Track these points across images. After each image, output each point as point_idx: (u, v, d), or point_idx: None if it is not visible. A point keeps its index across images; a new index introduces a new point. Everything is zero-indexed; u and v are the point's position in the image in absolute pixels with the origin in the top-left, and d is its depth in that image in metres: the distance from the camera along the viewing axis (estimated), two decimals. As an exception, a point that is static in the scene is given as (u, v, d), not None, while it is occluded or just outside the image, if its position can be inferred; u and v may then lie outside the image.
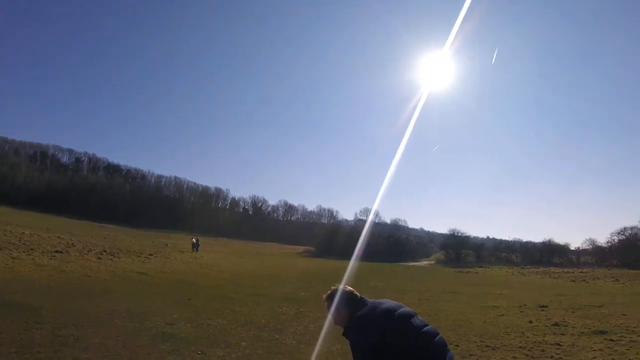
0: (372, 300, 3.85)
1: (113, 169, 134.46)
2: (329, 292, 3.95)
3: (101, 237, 47.12)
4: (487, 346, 10.76)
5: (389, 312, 3.61)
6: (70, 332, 8.91)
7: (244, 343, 9.66)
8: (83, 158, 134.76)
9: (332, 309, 3.85)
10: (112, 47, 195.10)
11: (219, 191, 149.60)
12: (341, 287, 4.00)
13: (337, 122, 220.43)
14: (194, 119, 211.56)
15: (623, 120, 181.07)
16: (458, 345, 10.84)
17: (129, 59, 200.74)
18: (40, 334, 8.54)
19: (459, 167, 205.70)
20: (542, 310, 18.66)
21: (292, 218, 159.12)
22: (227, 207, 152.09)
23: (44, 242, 28.30)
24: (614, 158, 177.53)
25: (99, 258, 25.50)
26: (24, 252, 22.25)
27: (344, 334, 3.70)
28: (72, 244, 30.45)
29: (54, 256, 22.76)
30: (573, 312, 17.71)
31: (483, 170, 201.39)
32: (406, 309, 3.76)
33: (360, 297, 3.95)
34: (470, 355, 9.87)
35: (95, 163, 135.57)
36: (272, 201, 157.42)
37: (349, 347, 3.59)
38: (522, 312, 18.05)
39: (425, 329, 3.59)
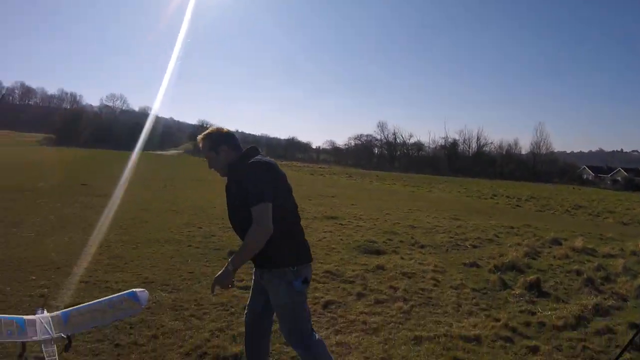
0: None
1: None
2: (207, 131, 3.49)
3: None
4: (228, 227, 11.44)
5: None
6: None
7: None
8: None
9: (212, 147, 3.37)
10: None
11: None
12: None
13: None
14: None
15: (370, 36, 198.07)
16: (201, 228, 11.46)
17: None
18: None
19: (211, 62, 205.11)
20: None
21: (31, 102, 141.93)
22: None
23: None
24: (358, 71, 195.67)
25: None
26: None
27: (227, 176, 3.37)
28: None
29: None
30: (309, 200, 20.15)
31: (233, 68, 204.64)
32: None
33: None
34: (212, 235, 10.70)
35: None
36: (6, 82, 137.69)
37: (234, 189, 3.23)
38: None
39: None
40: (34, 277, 6.77)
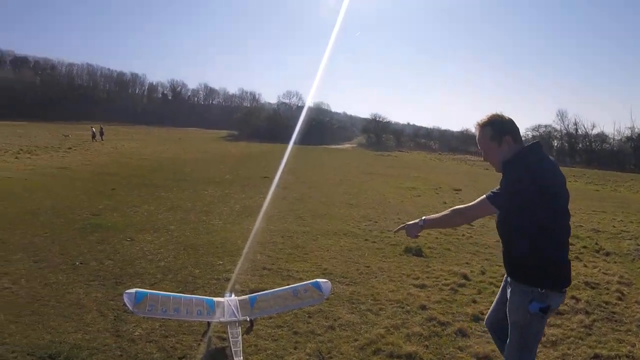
0: None
1: (20, 62, 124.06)
2: (490, 117, 3.10)
3: (16, 135, 44.86)
4: (404, 223, 11.60)
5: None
6: (-5, 236, 8.91)
7: (172, 227, 10.10)
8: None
9: (494, 136, 3.05)
10: None
11: (135, 77, 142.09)
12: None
13: (261, 5, 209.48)
14: (104, 1, 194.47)
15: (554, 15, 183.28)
16: (377, 222, 11.78)
17: None
18: (-36, 240, 8.49)
19: (383, 51, 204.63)
20: (457, 193, 20.28)
21: (214, 102, 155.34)
22: (145, 93, 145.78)
23: (-49, 145, 26.87)
24: (542, 56, 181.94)
25: (16, 158, 24.58)
26: None
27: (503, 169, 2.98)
28: (-16, 146, 29.06)
29: (-35, 160, 21.75)
30: None
31: (406, 56, 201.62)
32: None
33: None
34: (388, 230, 10.89)
35: (0, 57, 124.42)
36: (192, 85, 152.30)
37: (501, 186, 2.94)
38: (438, 194, 19.49)
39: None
40: (221, 262, 7.62)
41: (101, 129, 49.71)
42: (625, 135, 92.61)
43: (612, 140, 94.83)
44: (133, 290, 4.09)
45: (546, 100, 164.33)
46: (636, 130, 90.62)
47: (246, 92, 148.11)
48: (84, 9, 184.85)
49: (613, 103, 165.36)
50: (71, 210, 11.60)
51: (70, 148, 32.90)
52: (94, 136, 46.29)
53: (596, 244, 10.93)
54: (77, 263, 7.23)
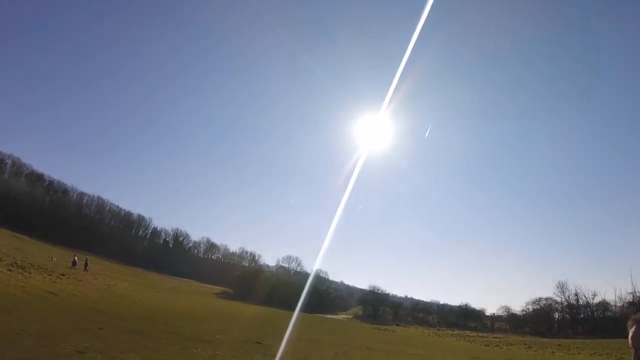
0: None
1: (36, 178, 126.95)
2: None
3: (13, 247, 44.86)
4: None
5: None
6: (-24, 349, 8.49)
7: (157, 382, 9.47)
8: (7, 160, 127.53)
9: None
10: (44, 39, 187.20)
11: (141, 218, 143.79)
12: None
13: (275, 175, 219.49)
14: (126, 140, 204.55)
15: (545, 194, 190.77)
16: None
17: (66, 64, 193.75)
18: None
19: (384, 226, 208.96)
20: None
21: (213, 257, 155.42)
22: (148, 236, 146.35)
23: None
24: (535, 229, 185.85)
25: (9, 270, 24.35)
26: None
27: None
28: (-19, 250, 28.96)
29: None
30: None
31: (409, 230, 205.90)
32: None
33: None
34: None
35: (18, 168, 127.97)
36: (195, 236, 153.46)
37: None
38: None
39: None
40: None
41: (86, 260, 49.80)
42: (627, 300, 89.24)
43: (614, 307, 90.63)
44: None
45: (545, 272, 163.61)
46: (637, 294, 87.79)
47: (246, 252, 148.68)
48: (103, 143, 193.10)
49: (613, 268, 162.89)
50: (56, 341, 11.08)
51: (63, 275, 32.40)
52: (74, 264, 45.94)
53: None
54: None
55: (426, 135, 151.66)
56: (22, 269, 27.13)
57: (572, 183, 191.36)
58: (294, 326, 35.19)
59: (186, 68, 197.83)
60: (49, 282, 25.47)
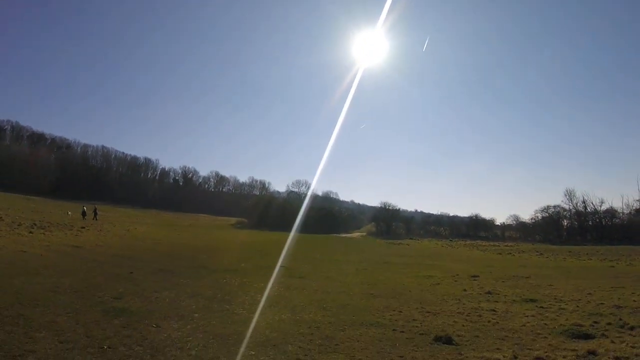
0: None
1: (37, 138, 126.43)
2: None
3: (29, 210, 45.38)
4: (428, 312, 11.62)
5: None
6: (18, 311, 8.82)
7: (197, 315, 9.87)
8: (6, 126, 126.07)
9: None
10: (33, 8, 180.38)
11: (148, 161, 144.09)
12: None
13: (270, 97, 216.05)
14: (124, 88, 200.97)
15: (549, 104, 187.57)
16: (401, 312, 11.57)
17: (50, 19, 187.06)
18: (-15, 315, 8.34)
19: (390, 143, 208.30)
20: (474, 279, 19.96)
21: (224, 189, 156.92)
22: (157, 177, 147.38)
23: (-32, 217, 27.16)
24: (541, 140, 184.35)
25: (30, 232, 24.76)
26: (-52, 229, 21.33)
27: None
28: (0, 217, 29.30)
29: (-18, 232, 21.93)
30: (503, 282, 19.16)
31: (414, 146, 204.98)
32: None
33: None
34: (413, 320, 10.65)
35: (18, 132, 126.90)
36: (203, 172, 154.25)
37: None
38: (456, 281, 19.20)
39: None
40: (253, 352, 7.37)
41: (95, 208, 50.41)
42: (634, 207, 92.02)
43: (621, 214, 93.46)
44: None
45: (552, 182, 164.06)
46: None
47: (256, 181, 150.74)
48: (102, 93, 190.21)
49: (620, 177, 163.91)
50: (91, 291, 11.47)
51: (83, 227, 33.06)
52: (83, 214, 46.66)
53: (620, 319, 10.71)
54: (105, 347, 7.03)
55: (424, 48, 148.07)
56: (42, 228, 27.61)
57: (578, 91, 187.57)
58: (311, 247, 36.09)
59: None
60: (71, 237, 26.02)
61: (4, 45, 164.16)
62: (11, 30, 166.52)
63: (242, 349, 7.52)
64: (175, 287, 13.51)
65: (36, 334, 7.43)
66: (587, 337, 9.06)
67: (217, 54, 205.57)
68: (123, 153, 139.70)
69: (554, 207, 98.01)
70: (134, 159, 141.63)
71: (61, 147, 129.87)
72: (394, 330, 9.53)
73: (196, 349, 7.38)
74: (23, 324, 7.95)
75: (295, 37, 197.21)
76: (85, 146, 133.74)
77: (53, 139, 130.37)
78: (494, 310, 11.65)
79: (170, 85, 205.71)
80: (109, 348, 7.01)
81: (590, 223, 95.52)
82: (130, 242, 29.10)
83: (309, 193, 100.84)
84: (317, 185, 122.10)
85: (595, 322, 10.39)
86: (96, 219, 47.01)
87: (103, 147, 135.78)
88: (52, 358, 6.34)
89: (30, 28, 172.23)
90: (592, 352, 7.74)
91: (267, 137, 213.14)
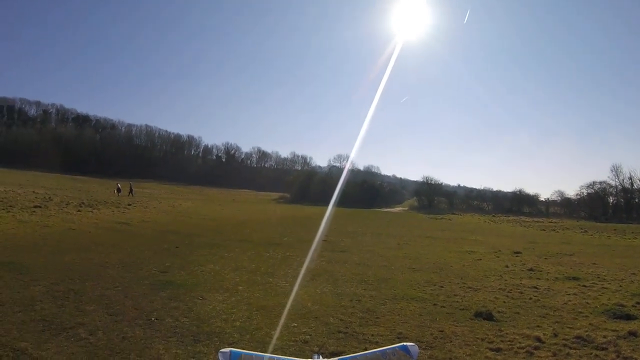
0: None
1: (82, 120, 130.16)
2: None
3: (75, 189, 46.86)
4: (469, 287, 11.49)
5: None
6: (68, 286, 9.15)
7: (241, 287, 10.07)
8: (51, 110, 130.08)
9: None
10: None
11: (191, 139, 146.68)
12: None
13: (310, 70, 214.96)
14: (164, 67, 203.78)
15: (597, 78, 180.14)
16: (442, 287, 11.50)
17: (93, 5, 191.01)
18: (39, 290, 8.72)
19: (432, 116, 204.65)
20: (517, 256, 19.63)
21: (266, 165, 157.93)
22: (200, 154, 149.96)
23: (21, 197, 28.25)
24: (588, 113, 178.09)
25: (79, 210, 25.57)
26: (2, 209, 22.21)
27: None
28: (49, 198, 30.40)
29: (34, 211, 22.79)
30: (546, 259, 18.72)
31: (456, 120, 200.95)
32: None
33: None
34: (454, 295, 10.54)
35: (63, 114, 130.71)
36: (246, 148, 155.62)
37: None
38: (498, 257, 18.95)
39: None
40: (295, 324, 7.43)
41: (130, 185, 51.94)
42: None
43: None
44: (227, 349, 4.09)
45: (600, 155, 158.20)
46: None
47: (297, 156, 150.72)
48: (146, 72, 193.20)
49: None
50: (139, 265, 11.83)
51: (130, 204, 33.99)
52: (119, 191, 48.03)
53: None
54: (153, 319, 7.24)
55: (465, 21, 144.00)
56: (90, 207, 28.54)
57: (624, 65, 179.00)
58: (352, 221, 36.10)
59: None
60: (118, 214, 26.81)
61: (48, 31, 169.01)
62: (52, 18, 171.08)
63: (284, 321, 7.60)
64: (220, 260, 13.81)
65: (86, 307, 7.71)
66: (628, 317, 8.76)
67: (254, 26, 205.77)
68: (166, 131, 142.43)
69: (600, 183, 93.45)
70: (178, 136, 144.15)
71: (106, 127, 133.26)
72: (434, 304, 9.48)
73: (240, 320, 7.52)
74: (74, 298, 8.26)
75: (335, 7, 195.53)
76: (130, 126, 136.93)
77: (97, 120, 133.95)
78: (536, 288, 11.44)
79: (211, 60, 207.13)
80: (157, 320, 7.21)
81: (636, 200, 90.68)
82: (176, 217, 29.77)
83: (347, 166, 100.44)
84: (358, 160, 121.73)
85: (638, 303, 10.01)
86: (132, 195, 48.86)
87: (147, 126, 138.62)
88: (101, 330, 6.55)
89: (70, 15, 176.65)
90: (633, 334, 7.49)
91: (310, 109, 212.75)
